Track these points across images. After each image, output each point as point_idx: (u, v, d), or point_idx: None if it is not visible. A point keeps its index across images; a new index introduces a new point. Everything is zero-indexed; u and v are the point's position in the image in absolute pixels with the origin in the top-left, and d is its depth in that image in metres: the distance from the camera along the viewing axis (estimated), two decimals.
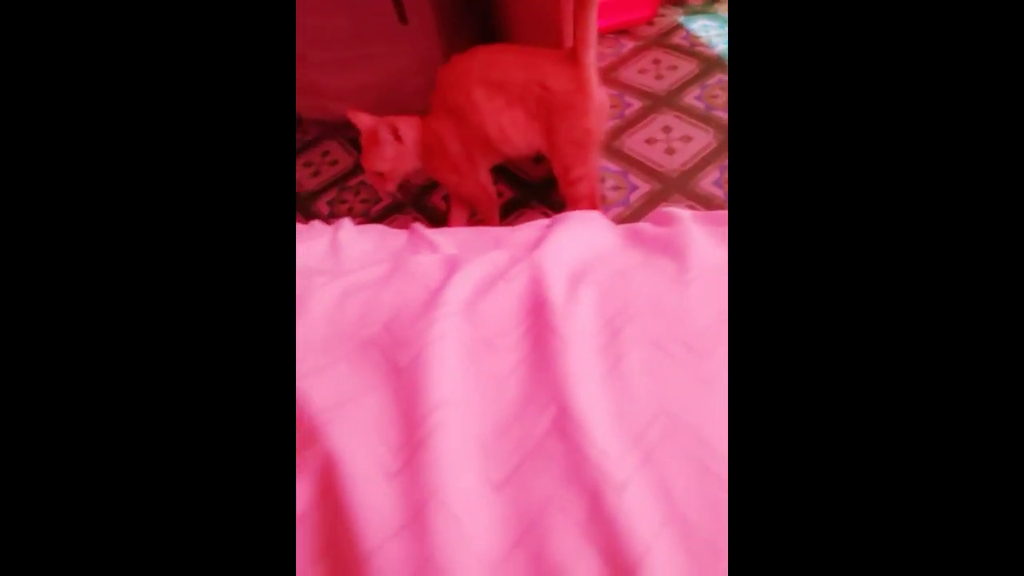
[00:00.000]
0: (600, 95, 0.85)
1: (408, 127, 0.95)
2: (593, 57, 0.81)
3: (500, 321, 0.40)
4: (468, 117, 0.90)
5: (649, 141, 1.22)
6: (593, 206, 0.97)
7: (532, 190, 1.20)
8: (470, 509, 0.31)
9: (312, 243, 0.57)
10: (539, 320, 0.38)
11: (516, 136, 0.91)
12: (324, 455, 0.33)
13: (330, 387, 0.37)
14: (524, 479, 0.32)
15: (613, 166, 1.19)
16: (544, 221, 0.60)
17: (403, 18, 1.27)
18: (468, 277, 0.44)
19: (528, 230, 0.57)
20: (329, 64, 1.35)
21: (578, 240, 0.48)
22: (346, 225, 0.62)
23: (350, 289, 0.45)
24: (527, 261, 0.43)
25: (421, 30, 1.29)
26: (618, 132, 1.25)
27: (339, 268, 0.52)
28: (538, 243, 0.50)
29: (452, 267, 0.45)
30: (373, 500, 0.31)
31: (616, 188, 1.15)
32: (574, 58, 0.81)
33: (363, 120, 0.94)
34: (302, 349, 0.39)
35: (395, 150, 0.94)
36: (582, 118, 0.85)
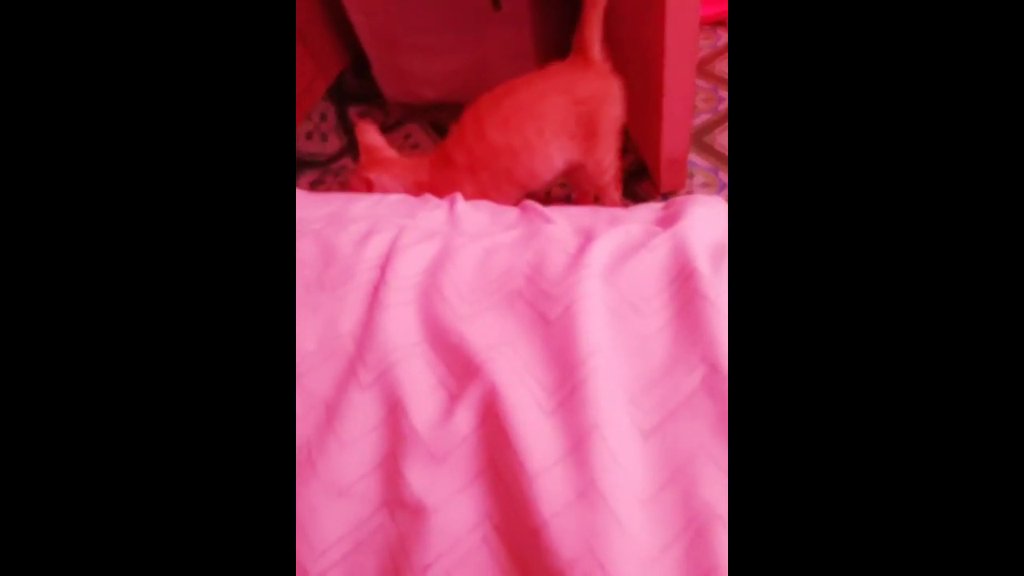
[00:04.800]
0: (616, 80, 0.90)
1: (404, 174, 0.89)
2: (600, 51, 0.87)
3: (644, 286, 0.40)
4: (519, 157, 0.86)
5: None
6: (617, 187, 1.02)
7: None
8: (624, 448, 0.32)
9: (431, 212, 0.60)
10: (687, 286, 0.38)
11: (560, 162, 0.90)
12: (487, 387, 0.34)
13: (485, 331, 0.38)
14: (672, 430, 0.33)
15: (703, 162, 1.16)
16: (657, 204, 0.59)
17: (496, 5, 1.28)
18: (605, 245, 0.44)
19: (644, 210, 0.57)
20: (419, 48, 1.38)
21: (713, 219, 0.48)
22: (459, 199, 0.64)
23: (492, 248, 0.46)
24: (668, 233, 0.43)
25: (513, 18, 1.29)
26: (710, 127, 1.22)
27: (463, 234, 0.54)
28: (665, 220, 0.50)
29: (588, 236, 0.46)
30: (535, 430, 0.32)
31: (705, 185, 1.12)
32: (586, 59, 0.86)
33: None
34: (455, 297, 0.41)
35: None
36: (614, 107, 0.90)
